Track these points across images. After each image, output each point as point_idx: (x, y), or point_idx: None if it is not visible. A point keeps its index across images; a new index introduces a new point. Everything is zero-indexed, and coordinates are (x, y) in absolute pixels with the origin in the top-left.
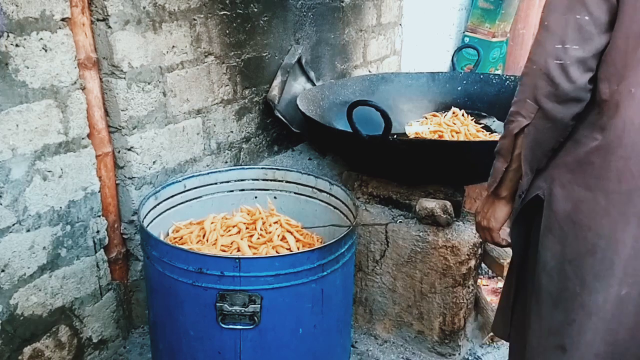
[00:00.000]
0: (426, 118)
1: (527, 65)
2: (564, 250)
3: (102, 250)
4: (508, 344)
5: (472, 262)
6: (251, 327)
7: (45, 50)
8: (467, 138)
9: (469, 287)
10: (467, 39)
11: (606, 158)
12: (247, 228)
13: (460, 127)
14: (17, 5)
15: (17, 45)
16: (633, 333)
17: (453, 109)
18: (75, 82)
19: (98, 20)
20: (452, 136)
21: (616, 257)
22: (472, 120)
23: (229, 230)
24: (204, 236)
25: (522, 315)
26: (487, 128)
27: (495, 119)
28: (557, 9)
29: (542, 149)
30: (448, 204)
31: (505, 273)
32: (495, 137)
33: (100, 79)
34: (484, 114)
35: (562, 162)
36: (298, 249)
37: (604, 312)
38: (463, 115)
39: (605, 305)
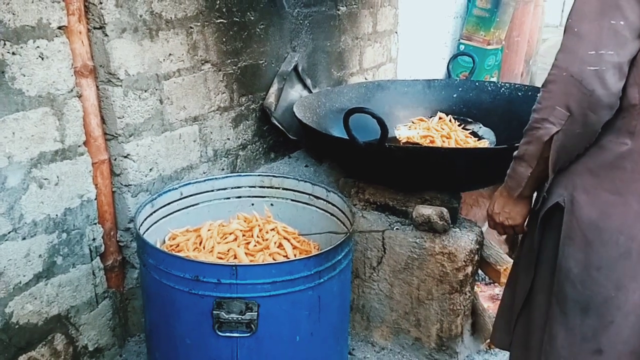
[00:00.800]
0: (413, 122)
1: (554, 73)
2: (589, 258)
3: (98, 258)
4: (505, 351)
5: (469, 269)
6: (248, 334)
7: (42, 58)
8: (458, 144)
9: (466, 294)
10: (462, 47)
11: (638, 161)
12: (243, 235)
13: (449, 132)
14: (13, 14)
15: (13, 54)
16: None
17: (439, 113)
18: (71, 90)
19: (95, 28)
20: (443, 141)
21: None
22: (459, 125)
23: (226, 238)
24: (200, 243)
25: (526, 324)
26: (474, 134)
27: (481, 125)
28: (588, 15)
29: (568, 154)
30: (444, 210)
31: (501, 280)
32: (485, 143)
33: (97, 86)
34: (470, 119)
35: (585, 168)
36: (295, 256)
37: (639, 309)
38: (450, 120)
39: (637, 299)
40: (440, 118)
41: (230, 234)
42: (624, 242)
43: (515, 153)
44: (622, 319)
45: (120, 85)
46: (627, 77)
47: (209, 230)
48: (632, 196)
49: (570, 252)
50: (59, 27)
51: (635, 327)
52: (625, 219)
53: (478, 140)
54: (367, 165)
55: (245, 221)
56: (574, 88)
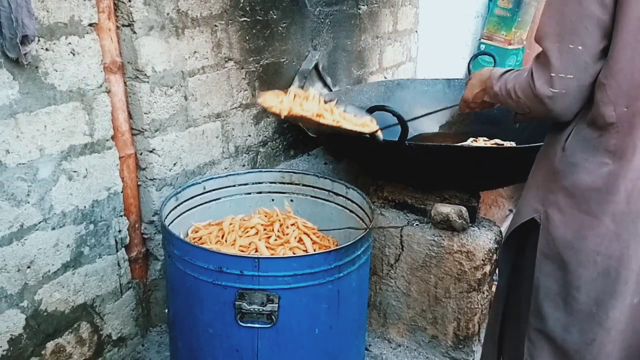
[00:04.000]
0: None
1: (524, 86)
2: (567, 277)
3: (123, 249)
4: None
5: (487, 268)
6: (269, 326)
7: (73, 54)
8: None
9: (483, 293)
10: (483, 46)
11: (616, 182)
12: (264, 230)
13: None
14: (47, 11)
15: (47, 50)
16: None
17: (471, 139)
18: (101, 86)
19: (123, 25)
20: None
21: (630, 273)
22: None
23: (247, 232)
24: (222, 237)
25: (516, 340)
26: None
27: (514, 143)
28: (550, 36)
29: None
30: (463, 209)
31: None
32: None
33: (125, 82)
34: (503, 141)
35: (561, 186)
36: (314, 250)
37: (620, 324)
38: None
39: (620, 317)
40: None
41: (252, 228)
42: (601, 262)
43: (508, 90)
44: (604, 335)
45: (147, 82)
46: (599, 96)
47: (230, 224)
48: (607, 216)
49: (548, 270)
50: (90, 24)
51: (617, 342)
52: (602, 239)
53: None
54: (387, 163)
55: (265, 216)
56: (537, 103)
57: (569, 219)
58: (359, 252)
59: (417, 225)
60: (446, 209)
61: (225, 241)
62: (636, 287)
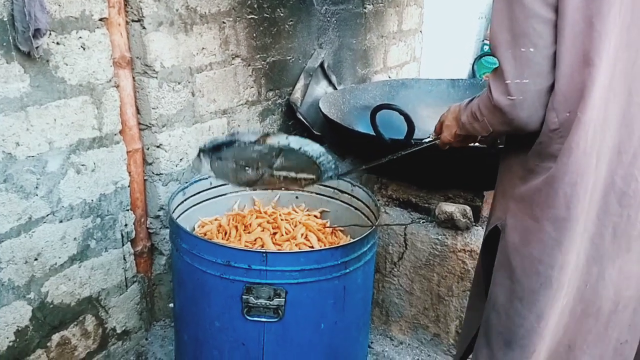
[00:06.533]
0: None
1: (485, 97)
2: (513, 287)
3: (129, 243)
4: None
5: None
6: (275, 320)
7: (84, 49)
8: None
9: None
10: (487, 47)
11: (553, 186)
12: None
13: None
14: (59, 5)
15: (58, 43)
16: (565, 331)
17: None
18: (110, 80)
19: (133, 21)
20: None
21: (566, 278)
22: None
23: (252, 227)
24: (226, 234)
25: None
26: None
27: None
28: (503, 43)
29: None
30: (467, 208)
31: None
32: None
33: (133, 77)
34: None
35: (517, 192)
36: (320, 247)
37: (552, 328)
38: None
39: (553, 321)
40: None
41: (258, 225)
42: (544, 271)
43: (473, 113)
44: (542, 344)
45: (156, 77)
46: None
47: (234, 219)
48: (547, 222)
49: (499, 279)
50: (100, 19)
51: (548, 345)
52: (544, 246)
53: None
54: (392, 162)
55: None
56: (497, 115)
57: (517, 223)
58: (365, 249)
59: (424, 221)
60: (450, 208)
61: (231, 236)
62: (567, 290)
